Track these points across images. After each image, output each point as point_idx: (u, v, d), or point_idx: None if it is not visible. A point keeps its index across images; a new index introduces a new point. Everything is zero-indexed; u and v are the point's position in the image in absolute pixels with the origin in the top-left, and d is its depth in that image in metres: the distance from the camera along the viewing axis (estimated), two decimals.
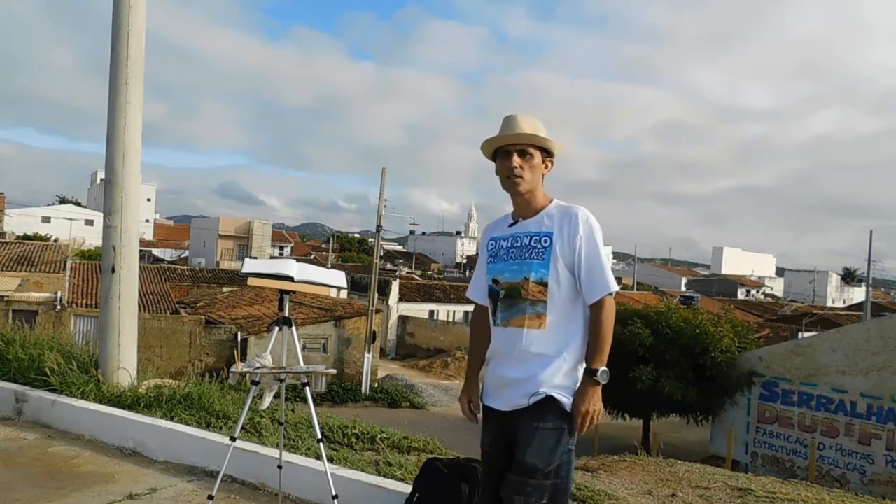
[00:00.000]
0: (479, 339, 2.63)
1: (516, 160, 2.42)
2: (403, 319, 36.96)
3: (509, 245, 2.46)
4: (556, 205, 2.48)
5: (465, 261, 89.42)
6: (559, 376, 2.33)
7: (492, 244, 2.54)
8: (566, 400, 2.32)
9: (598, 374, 2.30)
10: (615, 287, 2.37)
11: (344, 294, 30.46)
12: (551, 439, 2.29)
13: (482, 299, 2.59)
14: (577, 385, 2.35)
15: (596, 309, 2.36)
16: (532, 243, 2.40)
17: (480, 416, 2.54)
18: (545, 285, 2.35)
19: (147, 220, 73.58)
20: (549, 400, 2.31)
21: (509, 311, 2.41)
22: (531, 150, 2.44)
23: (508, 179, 2.44)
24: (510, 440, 2.35)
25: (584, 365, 2.36)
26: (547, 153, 2.49)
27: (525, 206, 2.48)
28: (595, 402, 2.30)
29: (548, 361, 2.33)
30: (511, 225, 2.50)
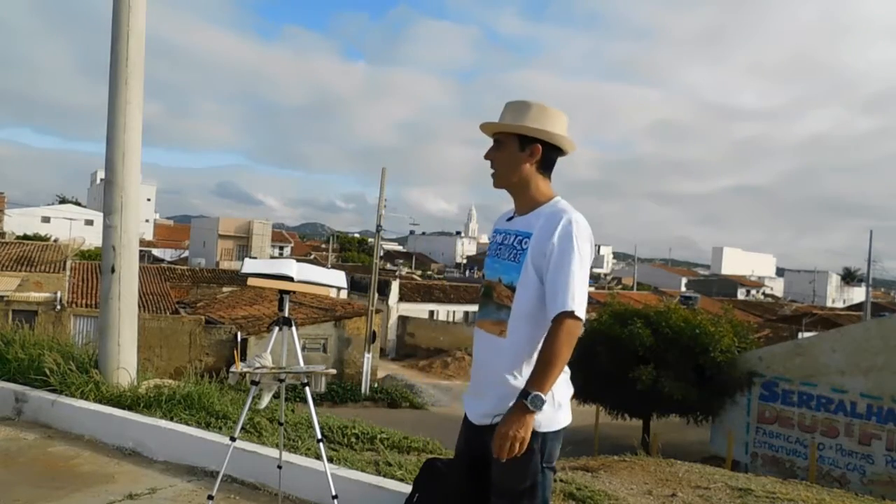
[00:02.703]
0: None
1: (490, 153, 2.26)
2: (403, 319, 36.94)
3: (500, 241, 2.29)
4: (551, 204, 2.21)
5: (464, 261, 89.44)
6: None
7: (493, 236, 2.38)
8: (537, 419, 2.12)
9: (529, 398, 1.99)
10: (574, 308, 2.03)
11: (344, 294, 30.45)
12: (519, 459, 2.08)
13: None
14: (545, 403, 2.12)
15: (552, 326, 2.06)
16: (514, 243, 2.21)
17: None
18: (513, 290, 2.15)
19: (147, 220, 73.59)
20: None
21: (481, 310, 2.28)
22: (503, 138, 2.24)
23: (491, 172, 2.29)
24: (478, 451, 2.23)
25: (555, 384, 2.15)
26: (534, 140, 2.21)
27: (518, 202, 2.28)
28: (519, 428, 2.00)
29: (507, 377, 2.14)
30: (509, 220, 2.32)
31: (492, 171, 2.26)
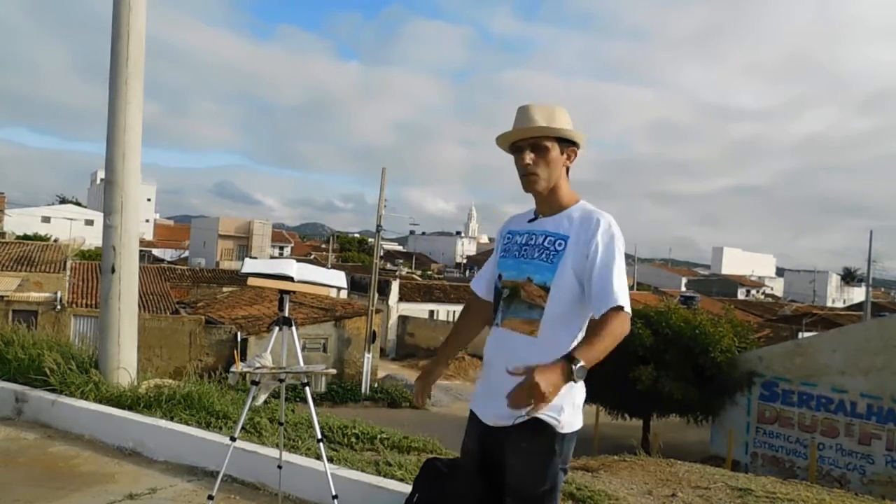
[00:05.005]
0: (462, 324, 2.54)
1: (529, 157, 2.21)
2: (403, 319, 36.95)
3: (523, 242, 2.28)
4: (580, 206, 2.25)
5: (465, 261, 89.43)
6: None
7: (507, 238, 2.36)
8: (555, 421, 2.12)
9: (577, 365, 1.88)
10: (624, 303, 2.05)
11: (344, 294, 30.45)
12: (540, 461, 2.13)
13: (481, 290, 2.46)
14: (566, 405, 2.13)
15: (607, 314, 2.05)
16: (545, 244, 2.21)
17: (430, 401, 2.42)
18: (547, 290, 2.16)
19: (147, 220, 73.58)
20: (536, 421, 2.10)
21: (507, 311, 2.24)
22: (546, 143, 2.22)
23: (523, 178, 2.25)
24: (491, 453, 2.23)
25: (574, 386, 2.08)
26: (568, 143, 2.26)
27: (546, 204, 2.28)
28: (551, 386, 1.84)
29: None
30: (531, 221, 2.32)
31: (531, 174, 2.23)
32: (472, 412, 2.37)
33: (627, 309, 2.05)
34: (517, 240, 2.31)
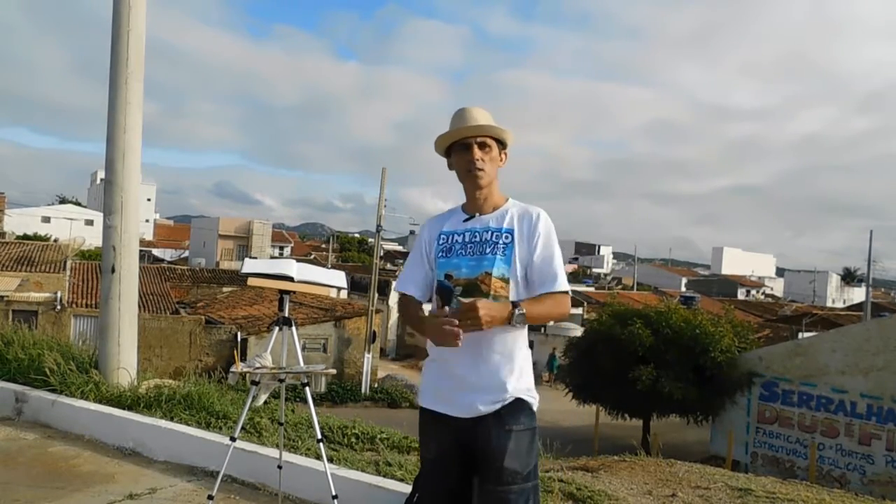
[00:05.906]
0: (415, 313, 2.47)
1: (477, 153, 2.36)
2: (403, 319, 36.92)
3: (466, 240, 2.37)
4: (514, 203, 2.43)
5: None
6: (523, 378, 2.31)
7: (443, 238, 2.42)
8: (533, 400, 2.32)
9: (519, 311, 2.15)
10: (567, 288, 2.31)
11: (344, 294, 30.44)
12: (525, 441, 2.26)
13: (416, 293, 2.45)
14: (531, 386, 2.34)
15: (558, 294, 2.28)
16: (493, 238, 2.33)
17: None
18: (507, 281, 2.29)
19: (147, 220, 73.57)
20: (518, 401, 2.28)
21: None
22: (489, 141, 2.39)
23: (470, 173, 2.37)
24: (469, 447, 2.27)
25: (531, 370, 2.38)
26: (502, 145, 2.43)
27: (483, 202, 2.41)
28: (493, 315, 2.10)
29: (509, 362, 2.29)
30: (466, 220, 2.42)
31: (479, 170, 2.36)
32: (431, 413, 2.38)
33: (567, 290, 2.32)
34: (457, 239, 2.40)
